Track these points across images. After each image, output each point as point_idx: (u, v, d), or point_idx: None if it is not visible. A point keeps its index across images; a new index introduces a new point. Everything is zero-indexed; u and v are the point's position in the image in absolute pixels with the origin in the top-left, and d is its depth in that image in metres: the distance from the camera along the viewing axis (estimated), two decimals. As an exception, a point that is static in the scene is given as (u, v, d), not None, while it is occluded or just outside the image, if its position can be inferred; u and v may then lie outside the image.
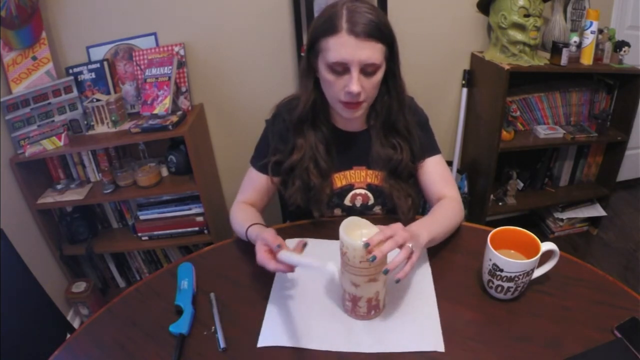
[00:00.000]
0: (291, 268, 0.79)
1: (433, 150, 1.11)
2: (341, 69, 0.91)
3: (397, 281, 0.74)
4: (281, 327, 0.79)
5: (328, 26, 0.90)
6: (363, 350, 0.74)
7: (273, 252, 0.81)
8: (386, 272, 0.73)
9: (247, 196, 1.13)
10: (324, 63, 0.93)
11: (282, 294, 0.87)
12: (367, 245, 0.71)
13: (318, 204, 1.07)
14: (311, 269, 0.74)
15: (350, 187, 1.11)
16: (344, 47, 0.88)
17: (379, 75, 0.94)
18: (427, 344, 0.74)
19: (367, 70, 0.91)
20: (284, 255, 0.79)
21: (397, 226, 0.77)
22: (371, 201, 1.11)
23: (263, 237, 0.84)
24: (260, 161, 1.11)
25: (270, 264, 0.80)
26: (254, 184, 1.13)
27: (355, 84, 0.90)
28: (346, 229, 0.75)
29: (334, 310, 0.82)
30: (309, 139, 1.05)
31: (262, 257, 0.81)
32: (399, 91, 1.02)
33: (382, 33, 0.90)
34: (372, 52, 0.89)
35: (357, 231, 0.76)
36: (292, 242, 0.97)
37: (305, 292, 0.87)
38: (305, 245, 0.82)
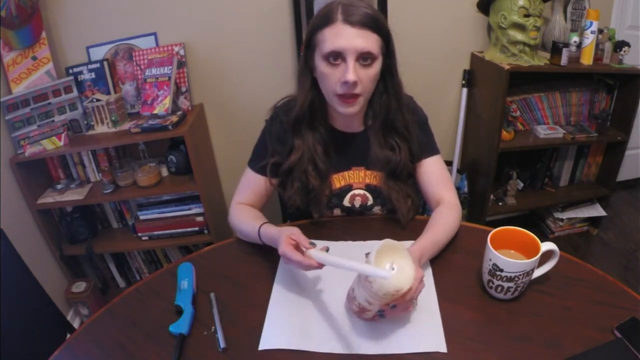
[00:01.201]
0: (319, 265, 0.80)
1: (432, 150, 1.10)
2: (337, 59, 0.91)
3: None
4: (282, 330, 0.78)
5: (324, 20, 0.92)
6: (365, 352, 0.74)
7: (298, 248, 0.83)
8: (393, 306, 0.74)
9: (245, 198, 1.13)
10: (320, 55, 0.93)
11: (282, 295, 0.86)
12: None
13: (317, 205, 1.07)
14: (346, 269, 0.72)
15: (349, 188, 1.11)
16: (340, 35, 0.89)
17: (376, 67, 0.94)
18: (430, 345, 0.74)
19: (363, 59, 0.91)
20: (315, 253, 0.79)
21: (420, 284, 0.76)
22: (370, 202, 1.11)
23: (292, 232, 0.85)
24: (258, 163, 1.11)
25: (295, 256, 0.81)
26: (251, 186, 1.12)
27: (351, 72, 0.89)
28: (378, 254, 0.72)
29: (335, 312, 0.82)
30: (307, 140, 1.04)
31: (288, 249, 0.82)
32: (396, 89, 1.02)
33: (377, 24, 0.91)
34: (368, 41, 0.90)
35: (387, 258, 0.73)
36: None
37: (306, 294, 0.86)
38: (327, 249, 0.83)
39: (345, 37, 0.89)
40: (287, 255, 0.82)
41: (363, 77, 0.92)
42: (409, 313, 0.79)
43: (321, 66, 0.94)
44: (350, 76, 0.89)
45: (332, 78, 0.93)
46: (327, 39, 0.90)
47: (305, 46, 0.98)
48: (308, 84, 1.01)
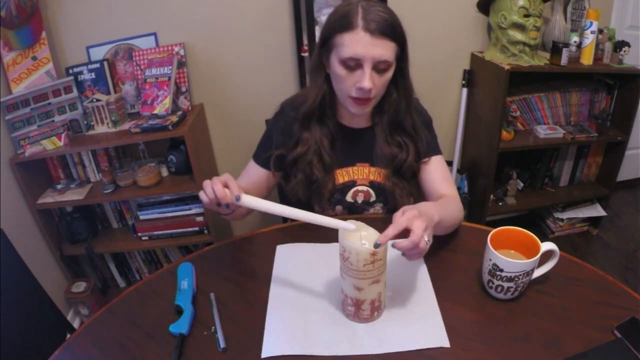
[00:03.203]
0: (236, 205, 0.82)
1: (436, 150, 1.12)
2: (354, 64, 0.93)
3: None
4: (284, 336, 0.77)
5: (344, 22, 0.92)
6: (368, 352, 0.73)
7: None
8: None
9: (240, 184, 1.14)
10: (337, 58, 0.94)
11: (279, 301, 0.86)
12: (377, 245, 0.71)
13: (319, 198, 1.08)
14: (285, 216, 0.80)
15: (353, 184, 1.11)
16: (359, 43, 0.90)
17: (390, 73, 0.96)
18: (432, 341, 0.74)
19: (379, 67, 0.93)
20: (249, 199, 0.81)
21: (413, 215, 0.74)
22: (372, 198, 1.12)
23: (225, 177, 0.84)
24: (261, 155, 1.13)
25: (217, 186, 0.81)
26: (250, 175, 1.14)
27: (367, 80, 0.91)
28: (345, 232, 0.75)
29: (335, 314, 0.81)
30: (315, 134, 1.06)
31: (215, 180, 0.83)
32: (407, 91, 1.04)
33: (395, 32, 0.93)
34: (385, 49, 0.92)
35: (356, 234, 0.76)
36: (284, 247, 0.99)
37: (303, 298, 0.86)
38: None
39: (364, 45, 0.90)
40: (211, 183, 0.82)
41: (377, 82, 0.95)
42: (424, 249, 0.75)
43: (337, 68, 0.95)
44: (367, 84, 0.92)
45: (347, 82, 0.95)
46: (346, 44, 0.92)
47: (321, 44, 0.99)
48: (320, 81, 1.02)
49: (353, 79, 0.94)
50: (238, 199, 0.81)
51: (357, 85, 0.93)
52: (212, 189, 0.82)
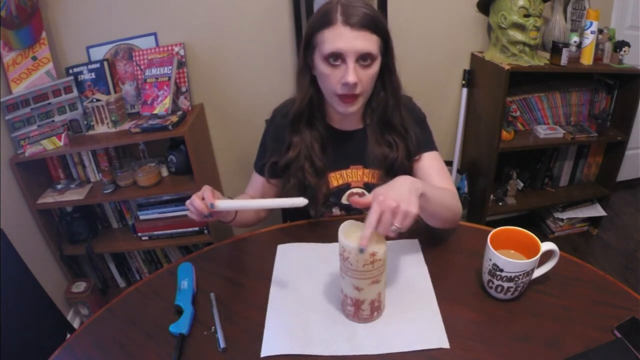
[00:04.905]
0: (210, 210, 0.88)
1: (429, 146, 1.10)
2: (337, 60, 0.92)
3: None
4: (284, 335, 0.77)
5: (324, 20, 0.92)
6: (368, 352, 0.73)
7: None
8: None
9: (249, 193, 1.16)
10: (320, 56, 0.94)
11: (279, 300, 0.86)
12: (362, 250, 0.70)
13: (314, 202, 1.07)
14: (255, 208, 0.89)
15: (347, 186, 1.11)
16: (340, 37, 0.90)
17: (375, 68, 0.95)
18: (432, 342, 0.74)
19: (362, 60, 0.92)
20: (221, 203, 0.88)
21: (383, 204, 0.73)
22: None
23: (201, 191, 0.90)
24: (259, 163, 1.14)
25: (196, 201, 0.88)
26: (253, 184, 1.16)
27: (351, 74, 0.91)
28: (345, 232, 0.75)
29: (335, 314, 0.81)
30: (305, 138, 1.06)
31: (195, 197, 0.89)
32: (395, 87, 1.03)
33: (376, 25, 0.92)
34: (367, 42, 0.91)
35: (356, 234, 0.75)
36: (284, 246, 0.99)
37: (304, 297, 0.86)
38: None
39: (345, 38, 0.90)
40: (190, 201, 0.89)
41: (363, 77, 0.93)
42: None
43: (321, 67, 0.94)
44: (351, 78, 0.91)
45: (332, 79, 0.94)
46: (327, 40, 0.91)
47: (305, 45, 0.99)
48: (307, 83, 1.02)
49: (338, 75, 0.93)
50: (212, 206, 0.87)
51: (342, 80, 0.92)
52: (193, 205, 0.88)
